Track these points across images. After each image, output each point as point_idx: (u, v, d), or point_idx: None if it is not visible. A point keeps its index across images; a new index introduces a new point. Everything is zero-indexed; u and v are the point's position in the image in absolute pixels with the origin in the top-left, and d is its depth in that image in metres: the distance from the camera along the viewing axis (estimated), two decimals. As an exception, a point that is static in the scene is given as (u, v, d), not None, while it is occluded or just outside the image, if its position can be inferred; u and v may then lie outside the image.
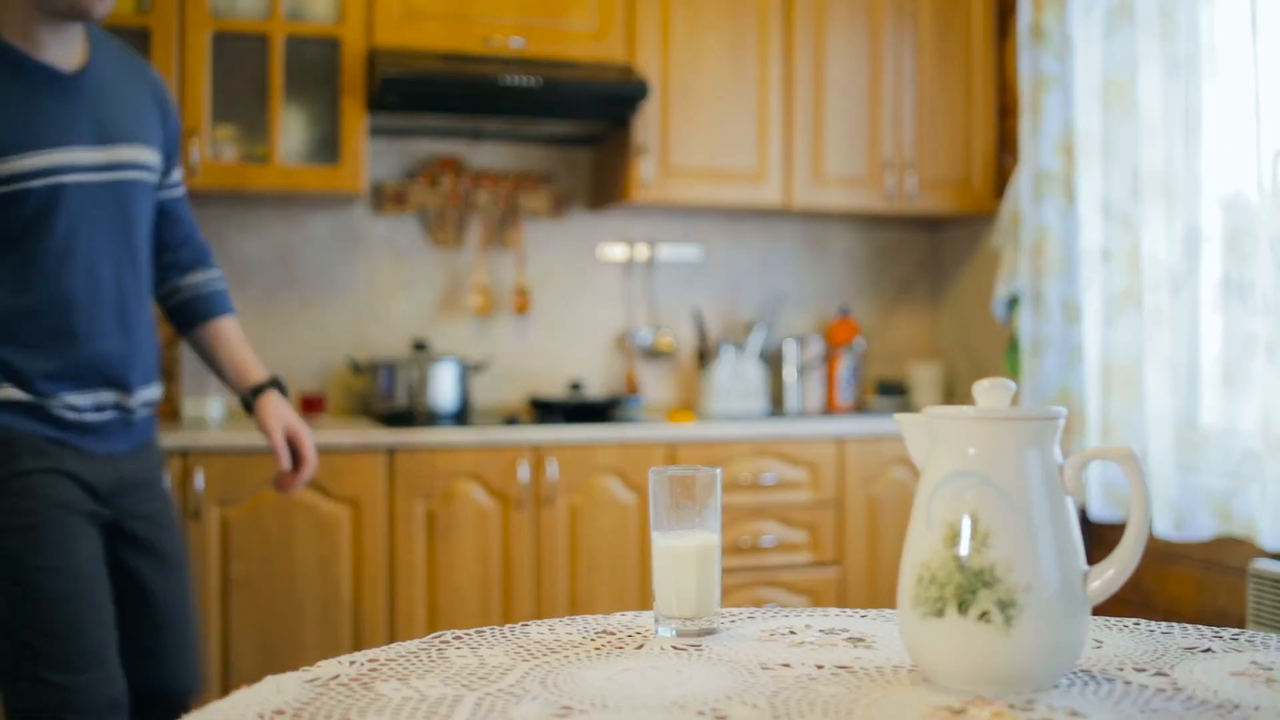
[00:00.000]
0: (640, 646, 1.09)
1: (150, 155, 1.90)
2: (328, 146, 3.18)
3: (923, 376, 3.86)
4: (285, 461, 2.00)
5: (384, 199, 3.50)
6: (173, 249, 2.03)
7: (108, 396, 1.84)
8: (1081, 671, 0.99)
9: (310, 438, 2.04)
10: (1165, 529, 2.84)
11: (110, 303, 1.84)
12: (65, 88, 1.79)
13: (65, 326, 1.79)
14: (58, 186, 1.76)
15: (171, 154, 1.99)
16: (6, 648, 1.72)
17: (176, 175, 2.02)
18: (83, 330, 1.80)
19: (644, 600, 3.09)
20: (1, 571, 1.72)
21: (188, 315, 2.06)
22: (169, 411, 3.26)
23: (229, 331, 2.07)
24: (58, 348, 1.79)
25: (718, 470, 1.17)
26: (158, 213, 1.98)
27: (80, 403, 1.81)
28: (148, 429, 1.96)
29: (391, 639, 2.90)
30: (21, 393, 1.76)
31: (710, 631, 1.14)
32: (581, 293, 3.70)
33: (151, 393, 1.94)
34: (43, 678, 1.69)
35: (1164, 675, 0.99)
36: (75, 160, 1.78)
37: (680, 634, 1.13)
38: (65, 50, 1.79)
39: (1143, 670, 1.00)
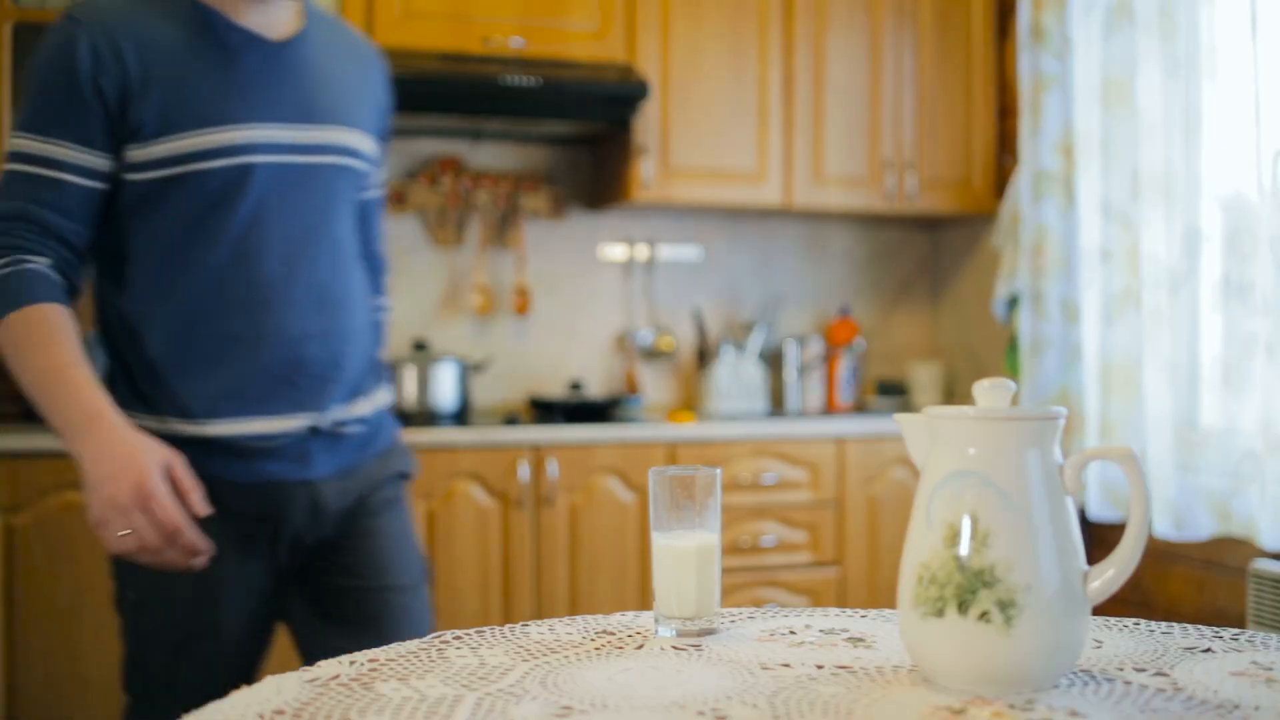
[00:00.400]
0: (640, 646, 1.09)
1: (362, 141, 1.66)
2: (328, 146, 3.17)
3: (923, 376, 3.86)
4: None
5: (384, 199, 3.49)
6: None
7: (297, 420, 1.57)
8: (1081, 671, 0.99)
9: None
10: (1165, 529, 2.84)
11: (307, 302, 1.57)
12: (266, 56, 1.56)
13: (249, 330, 1.53)
14: (246, 167, 1.52)
15: (382, 150, 1.77)
16: (129, 679, 1.63)
17: (379, 175, 1.79)
18: (272, 333, 1.54)
19: (644, 600, 3.08)
20: (131, 619, 1.59)
21: None
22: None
23: None
24: (239, 357, 1.53)
25: (717, 470, 1.17)
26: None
27: (260, 429, 1.55)
28: (365, 446, 1.67)
29: (391, 639, 2.90)
30: (187, 423, 1.53)
31: (710, 631, 1.14)
32: (581, 293, 3.70)
33: (362, 406, 1.66)
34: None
35: (1164, 675, 0.99)
36: (269, 138, 1.54)
37: (680, 634, 1.13)
38: (269, 16, 1.57)
39: (1143, 670, 1.00)
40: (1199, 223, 2.83)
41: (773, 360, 3.78)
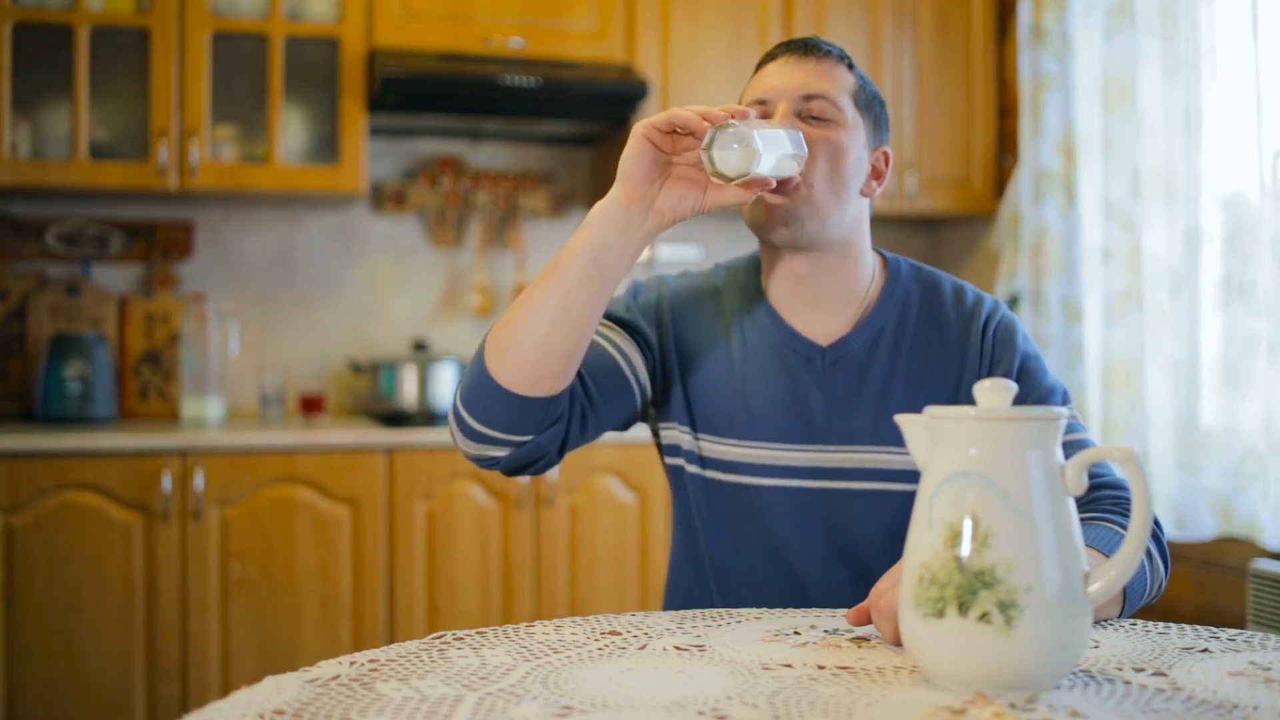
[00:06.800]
0: (642, 647, 1.09)
1: (899, 459, 1.41)
2: (327, 146, 3.18)
3: (923, 376, 3.85)
4: None
5: (384, 199, 3.50)
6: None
7: None
8: (1081, 672, 1.00)
9: None
10: (1168, 529, 2.83)
11: None
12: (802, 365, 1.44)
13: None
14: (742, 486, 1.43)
15: (1022, 386, 1.39)
16: None
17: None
18: None
19: (645, 600, 3.09)
20: None
21: None
22: (169, 411, 3.26)
23: None
24: None
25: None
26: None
27: None
28: None
29: (391, 639, 2.90)
30: None
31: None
32: (581, 293, 3.69)
33: None
34: None
35: (1163, 675, 0.99)
36: (773, 459, 1.43)
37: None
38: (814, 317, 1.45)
39: (1141, 670, 1.00)
40: (1200, 222, 2.83)
41: (773, 360, 3.77)
